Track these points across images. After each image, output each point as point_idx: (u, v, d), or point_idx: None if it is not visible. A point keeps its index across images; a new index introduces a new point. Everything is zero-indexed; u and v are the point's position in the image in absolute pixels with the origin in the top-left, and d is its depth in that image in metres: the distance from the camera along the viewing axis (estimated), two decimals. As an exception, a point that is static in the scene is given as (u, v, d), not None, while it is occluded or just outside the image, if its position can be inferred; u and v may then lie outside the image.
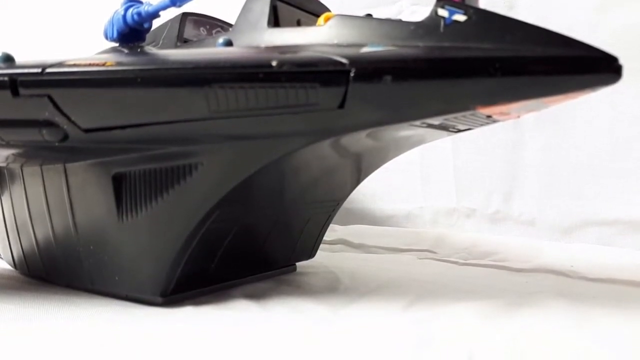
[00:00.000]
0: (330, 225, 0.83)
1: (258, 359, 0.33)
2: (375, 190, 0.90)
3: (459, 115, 0.36)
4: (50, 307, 0.44)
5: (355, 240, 0.74)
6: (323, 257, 0.64)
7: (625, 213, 0.73)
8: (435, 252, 0.69)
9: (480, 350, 0.34)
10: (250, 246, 0.49)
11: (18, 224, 0.52)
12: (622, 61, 0.32)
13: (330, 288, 0.51)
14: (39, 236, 0.49)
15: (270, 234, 0.49)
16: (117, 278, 0.44)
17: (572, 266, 0.59)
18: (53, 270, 0.50)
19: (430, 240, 0.75)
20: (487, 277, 0.57)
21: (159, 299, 0.43)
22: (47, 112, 0.38)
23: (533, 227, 0.79)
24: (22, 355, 0.34)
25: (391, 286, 0.51)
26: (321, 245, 0.75)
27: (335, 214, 0.55)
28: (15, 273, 0.56)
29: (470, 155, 0.83)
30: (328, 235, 0.77)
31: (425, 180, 0.87)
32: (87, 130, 0.39)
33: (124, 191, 0.42)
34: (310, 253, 0.56)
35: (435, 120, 0.38)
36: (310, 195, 0.49)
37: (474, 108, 0.35)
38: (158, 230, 0.42)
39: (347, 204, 0.88)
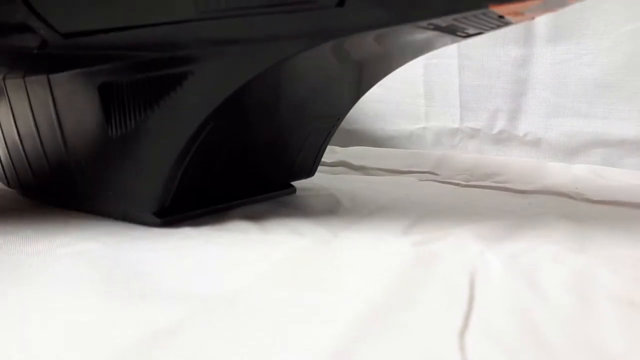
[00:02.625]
0: (330, 146, 0.82)
1: (256, 279, 0.33)
2: (377, 110, 0.87)
3: (469, 14, 0.33)
4: (47, 230, 0.43)
5: (356, 162, 0.73)
6: (323, 179, 0.64)
7: (634, 133, 0.71)
8: (436, 174, 0.68)
9: (482, 271, 0.33)
10: (248, 163, 0.47)
11: (7, 142, 0.50)
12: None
13: (330, 210, 0.50)
14: (30, 154, 0.48)
15: (268, 150, 0.48)
16: (110, 194, 0.43)
17: (576, 188, 0.59)
18: (48, 190, 0.49)
19: (431, 161, 0.73)
20: (489, 198, 0.56)
21: (157, 220, 0.43)
22: (20, 15, 0.35)
23: (538, 148, 0.78)
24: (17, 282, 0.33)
25: (392, 208, 0.50)
26: (321, 167, 0.74)
27: (334, 130, 0.53)
28: (10, 192, 0.55)
29: (477, 72, 0.79)
30: (328, 157, 0.76)
31: (429, 99, 0.84)
32: (66, 35, 0.37)
33: (112, 103, 0.40)
34: (309, 171, 0.55)
35: (443, 22, 0.35)
36: (309, 109, 0.47)
37: (486, 6, 0.32)
38: (150, 144, 0.41)
39: (347, 124, 0.86)
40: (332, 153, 0.78)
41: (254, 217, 0.46)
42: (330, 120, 0.51)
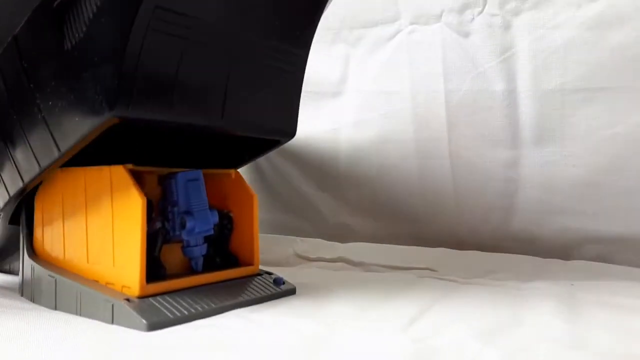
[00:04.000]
0: (330, 242, 0.84)
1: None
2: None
3: None
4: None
5: (355, 258, 0.74)
6: (322, 275, 0.65)
7: (622, 230, 0.73)
8: (435, 271, 0.69)
9: None
10: (210, 89, 0.48)
11: None
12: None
13: (328, 306, 0.50)
14: None
15: (229, 79, 0.48)
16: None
17: (572, 284, 0.59)
18: None
19: (430, 258, 0.75)
20: (487, 295, 0.57)
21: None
22: None
23: (533, 245, 0.79)
24: None
25: (390, 304, 0.51)
26: (320, 263, 0.75)
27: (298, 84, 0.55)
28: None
29: (469, 176, 0.83)
30: (328, 253, 0.78)
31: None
32: None
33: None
34: (290, 125, 0.57)
35: None
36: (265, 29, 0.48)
37: None
38: None
39: (347, 219, 0.89)
40: (332, 249, 0.80)
41: (251, 316, 0.46)
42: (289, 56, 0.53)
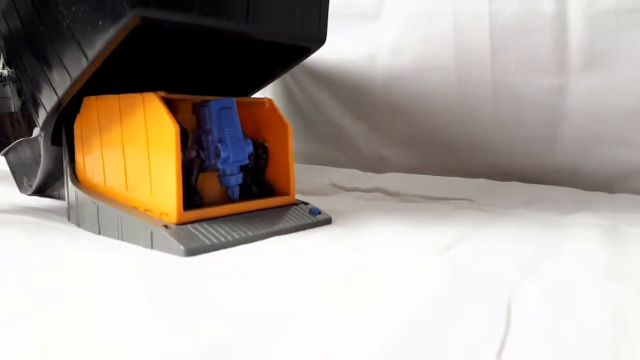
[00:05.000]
0: (366, 173, 0.83)
1: (298, 299, 0.34)
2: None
3: None
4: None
5: (391, 188, 0.73)
6: (357, 205, 0.64)
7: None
8: (473, 201, 0.68)
9: (519, 296, 0.33)
10: None
11: None
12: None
13: (364, 232, 0.50)
14: None
15: None
16: None
17: (615, 216, 0.58)
18: None
19: (469, 189, 0.73)
20: (527, 227, 0.56)
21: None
22: None
23: (576, 176, 0.77)
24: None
25: (426, 231, 0.51)
26: (356, 193, 0.75)
27: None
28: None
29: (512, 104, 0.80)
30: (363, 183, 0.77)
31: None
32: None
33: None
34: (319, 31, 0.55)
35: None
36: None
37: None
38: None
39: (382, 149, 0.88)
40: (367, 179, 0.79)
41: (288, 243, 0.47)
42: None
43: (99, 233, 0.50)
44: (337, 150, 0.92)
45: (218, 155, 0.50)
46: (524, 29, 0.76)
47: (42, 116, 0.55)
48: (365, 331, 0.28)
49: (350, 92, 0.90)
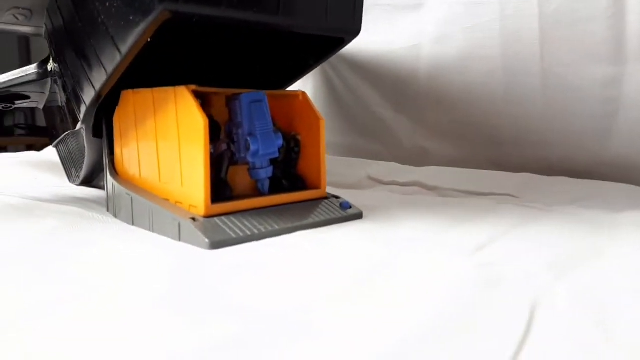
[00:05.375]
0: (404, 166, 0.81)
1: (321, 295, 0.34)
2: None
3: None
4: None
5: (430, 182, 0.71)
6: (393, 199, 0.63)
7: None
8: (516, 197, 0.65)
9: (546, 301, 0.32)
10: None
11: None
12: None
13: (395, 229, 0.49)
14: None
15: None
16: None
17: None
18: None
19: (512, 184, 0.70)
20: (572, 225, 0.53)
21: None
22: None
23: (630, 172, 0.72)
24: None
25: (461, 230, 0.49)
26: (393, 187, 0.73)
27: None
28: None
29: (562, 95, 0.75)
30: (401, 177, 0.76)
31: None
32: None
33: None
34: (354, 21, 0.54)
35: None
36: None
37: None
38: None
39: (423, 142, 0.85)
40: (406, 172, 0.77)
41: (315, 237, 0.46)
42: None
43: (133, 224, 0.51)
44: (378, 143, 0.90)
45: (248, 149, 0.50)
46: (576, 17, 0.72)
47: (82, 110, 0.57)
48: (377, 332, 0.27)
49: (393, 83, 0.88)
